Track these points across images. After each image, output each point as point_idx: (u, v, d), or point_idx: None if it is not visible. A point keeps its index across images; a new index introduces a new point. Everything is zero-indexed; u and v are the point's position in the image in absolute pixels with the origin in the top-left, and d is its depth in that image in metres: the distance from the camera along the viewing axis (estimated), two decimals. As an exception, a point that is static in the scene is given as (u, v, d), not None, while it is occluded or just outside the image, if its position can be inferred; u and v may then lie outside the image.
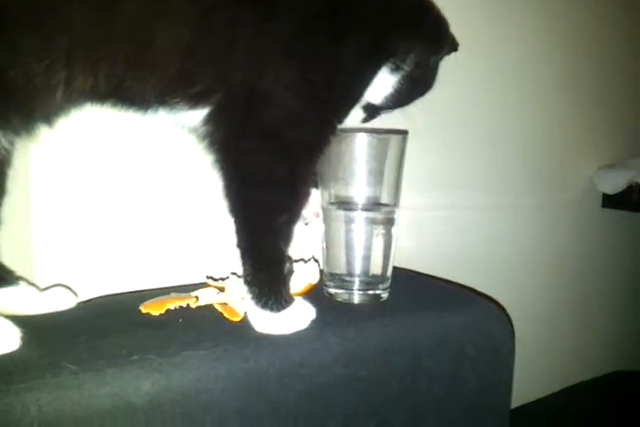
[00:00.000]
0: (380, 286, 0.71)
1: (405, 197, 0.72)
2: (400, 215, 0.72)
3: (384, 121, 0.71)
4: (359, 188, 0.70)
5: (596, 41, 1.31)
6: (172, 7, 0.53)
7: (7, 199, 0.60)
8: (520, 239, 1.21)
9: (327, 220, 0.72)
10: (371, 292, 0.70)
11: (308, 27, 0.57)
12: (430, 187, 1.01)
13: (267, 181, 0.58)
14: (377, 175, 0.70)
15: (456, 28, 0.75)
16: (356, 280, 0.70)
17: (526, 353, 0.81)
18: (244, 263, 0.59)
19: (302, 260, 0.74)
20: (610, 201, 1.39)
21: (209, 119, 0.58)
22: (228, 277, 0.70)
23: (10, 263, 0.62)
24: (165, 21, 0.53)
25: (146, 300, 0.64)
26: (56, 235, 0.71)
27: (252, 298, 0.58)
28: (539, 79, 1.20)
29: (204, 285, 0.69)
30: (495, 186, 1.15)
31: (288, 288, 0.62)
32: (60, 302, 0.63)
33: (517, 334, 0.74)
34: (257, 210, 0.59)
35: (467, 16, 1.03)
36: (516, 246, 1.21)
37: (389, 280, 0.72)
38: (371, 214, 0.70)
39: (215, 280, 0.70)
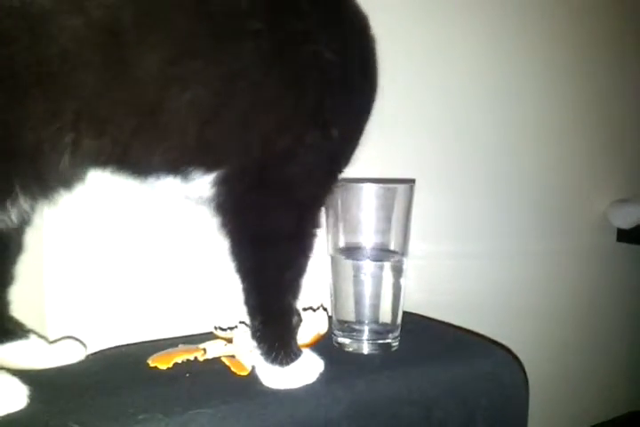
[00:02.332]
0: (390, 335, 0.70)
1: (414, 244, 0.72)
2: (409, 263, 0.72)
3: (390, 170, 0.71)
4: (367, 236, 0.70)
5: (607, 75, 1.31)
6: (191, 72, 0.52)
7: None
8: (533, 283, 1.20)
9: (335, 268, 0.72)
10: (380, 341, 0.70)
11: (331, 89, 0.58)
12: (439, 234, 1.01)
13: (279, 236, 0.58)
14: (385, 224, 0.70)
15: (466, 68, 0.76)
16: (366, 329, 0.70)
17: (539, 399, 0.79)
18: (252, 320, 0.58)
19: (311, 308, 0.74)
20: (625, 235, 1.38)
21: (219, 181, 0.57)
22: (236, 327, 0.70)
23: (21, 314, 0.63)
24: (183, 87, 0.51)
25: (154, 351, 0.64)
26: (67, 286, 0.71)
27: (262, 354, 0.58)
28: (548, 117, 1.20)
29: (211, 335, 0.69)
30: (506, 230, 1.14)
31: (296, 341, 0.61)
32: (69, 356, 0.63)
33: (530, 381, 0.73)
34: (267, 267, 0.58)
35: (477, 58, 1.05)
36: (528, 291, 1.19)
37: (399, 328, 0.71)
38: (379, 263, 0.70)
39: (223, 330, 0.70)
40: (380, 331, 0.70)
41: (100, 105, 0.50)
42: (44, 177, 0.51)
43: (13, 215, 0.51)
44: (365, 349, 0.69)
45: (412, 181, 0.72)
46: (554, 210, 1.23)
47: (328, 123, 0.58)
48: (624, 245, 1.38)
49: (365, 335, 0.69)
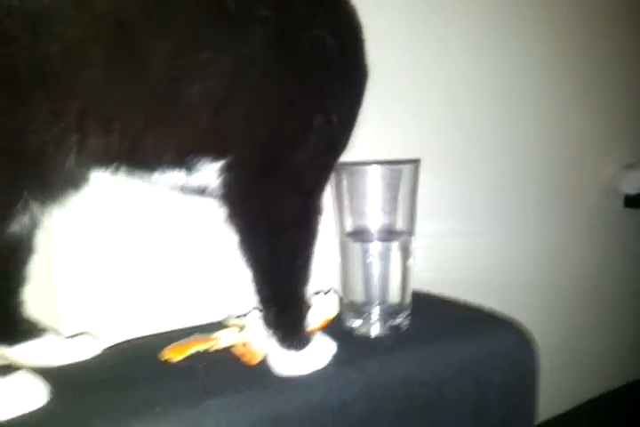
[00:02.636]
0: (400, 315, 0.71)
1: (420, 224, 0.72)
2: (416, 242, 0.72)
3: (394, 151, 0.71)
4: (374, 218, 0.70)
5: (612, 40, 1.28)
6: (201, 62, 0.51)
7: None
8: (540, 255, 1.20)
9: (344, 252, 0.72)
10: (391, 322, 0.70)
11: (331, 74, 0.58)
12: (444, 213, 1.01)
13: (286, 223, 0.58)
14: (391, 205, 0.70)
15: (467, 47, 0.74)
16: (376, 310, 0.70)
17: (546, 371, 0.80)
18: (267, 310, 0.59)
19: (321, 292, 0.74)
20: (633, 201, 1.37)
21: (226, 168, 0.57)
22: (250, 312, 0.70)
23: (35, 313, 0.63)
24: (193, 78, 0.50)
25: (169, 342, 0.64)
26: (77, 280, 0.72)
27: (277, 340, 0.59)
28: (552, 81, 1.18)
29: (225, 323, 0.70)
30: (510, 204, 1.14)
31: (307, 325, 0.62)
32: (84, 351, 0.64)
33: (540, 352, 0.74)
34: (277, 255, 0.58)
35: (478, 38, 1.03)
36: (536, 264, 1.19)
37: (409, 308, 0.72)
38: (387, 244, 0.70)
39: (237, 317, 0.71)
40: (390, 312, 0.70)
41: (106, 102, 0.49)
42: (50, 180, 0.50)
43: (26, 219, 0.50)
44: (376, 330, 0.70)
45: (416, 161, 0.71)
46: (559, 180, 1.22)
47: (330, 108, 0.58)
48: (632, 210, 1.37)
49: (375, 317, 0.70)
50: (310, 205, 0.60)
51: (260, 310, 0.60)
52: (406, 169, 0.70)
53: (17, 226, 0.51)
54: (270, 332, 0.59)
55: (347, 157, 0.65)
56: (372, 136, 0.76)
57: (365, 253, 0.70)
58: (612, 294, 1.38)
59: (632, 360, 1.44)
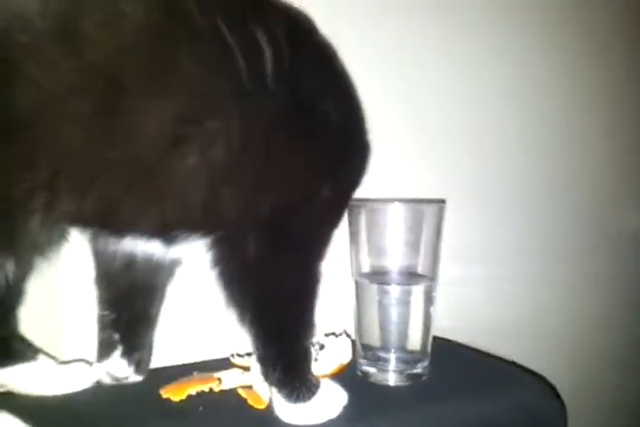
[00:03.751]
0: (419, 364, 0.66)
1: (443, 268, 0.68)
2: (438, 287, 0.67)
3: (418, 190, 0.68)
4: (394, 259, 0.66)
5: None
6: (204, 131, 0.46)
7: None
8: (568, 307, 1.13)
9: (360, 293, 0.67)
10: (408, 371, 0.65)
11: (337, 145, 0.56)
12: (469, 257, 0.96)
13: (292, 294, 0.55)
14: (413, 246, 0.66)
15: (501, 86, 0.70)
16: (392, 357, 0.65)
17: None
18: (268, 369, 0.54)
19: (333, 334, 0.69)
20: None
21: (218, 243, 0.52)
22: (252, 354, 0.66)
23: (36, 333, 0.60)
24: (193, 146, 0.46)
25: (168, 378, 0.60)
26: (82, 305, 0.69)
27: (282, 396, 0.54)
28: (580, 130, 1.14)
29: (227, 362, 0.66)
30: (541, 245, 1.09)
31: (313, 373, 0.57)
32: (79, 381, 0.60)
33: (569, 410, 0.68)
34: (281, 322, 0.55)
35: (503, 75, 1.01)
36: (563, 315, 1.12)
37: (429, 357, 0.67)
38: (407, 288, 0.66)
39: (240, 356, 0.67)
40: (408, 359, 0.66)
41: (84, 162, 0.43)
42: (13, 238, 0.45)
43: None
44: (392, 380, 0.65)
45: (442, 202, 0.67)
46: (590, 229, 1.17)
47: (334, 180, 0.56)
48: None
49: (392, 365, 0.65)
50: (313, 274, 0.56)
51: (261, 368, 0.56)
52: (430, 209, 0.66)
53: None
54: (274, 389, 0.54)
55: (367, 193, 0.63)
56: (395, 173, 0.74)
57: (383, 295, 0.66)
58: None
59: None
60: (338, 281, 0.65)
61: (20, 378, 0.57)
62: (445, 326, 0.75)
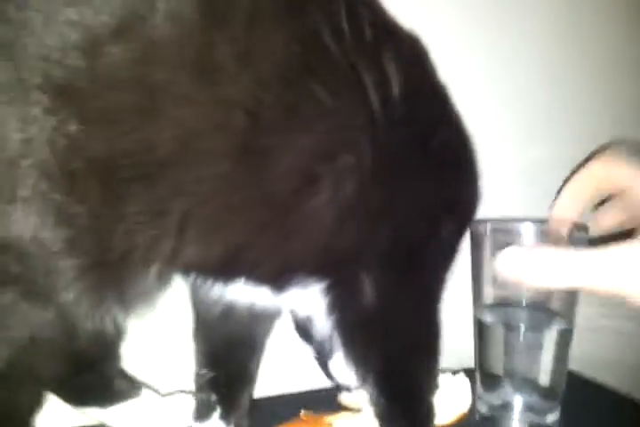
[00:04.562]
0: (550, 414, 0.58)
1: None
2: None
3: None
4: (524, 291, 0.58)
5: None
6: (340, 166, 0.42)
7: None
8: None
9: (481, 332, 0.60)
10: (536, 421, 0.58)
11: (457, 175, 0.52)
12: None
13: (417, 342, 0.50)
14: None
15: None
16: (518, 403, 0.58)
17: None
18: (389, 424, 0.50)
19: (450, 372, 0.62)
20: None
21: (332, 289, 0.47)
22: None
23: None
24: (328, 183, 0.42)
25: (272, 415, 0.57)
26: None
27: None
28: None
29: (332, 397, 0.61)
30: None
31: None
32: (181, 415, 0.57)
33: None
34: (412, 376, 0.50)
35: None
36: None
37: (559, 405, 0.58)
38: (538, 331, 0.58)
39: (349, 391, 0.61)
40: (537, 407, 0.58)
41: (215, 206, 0.40)
42: (125, 290, 0.41)
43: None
44: (518, 429, 0.57)
45: (584, 227, 0.57)
46: None
47: (458, 208, 0.52)
48: None
49: (518, 412, 0.58)
50: (437, 317, 0.51)
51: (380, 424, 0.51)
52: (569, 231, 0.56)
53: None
54: None
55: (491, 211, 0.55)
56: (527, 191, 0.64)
57: (509, 337, 0.58)
58: None
59: None
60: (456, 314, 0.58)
61: (122, 416, 0.55)
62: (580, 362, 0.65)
